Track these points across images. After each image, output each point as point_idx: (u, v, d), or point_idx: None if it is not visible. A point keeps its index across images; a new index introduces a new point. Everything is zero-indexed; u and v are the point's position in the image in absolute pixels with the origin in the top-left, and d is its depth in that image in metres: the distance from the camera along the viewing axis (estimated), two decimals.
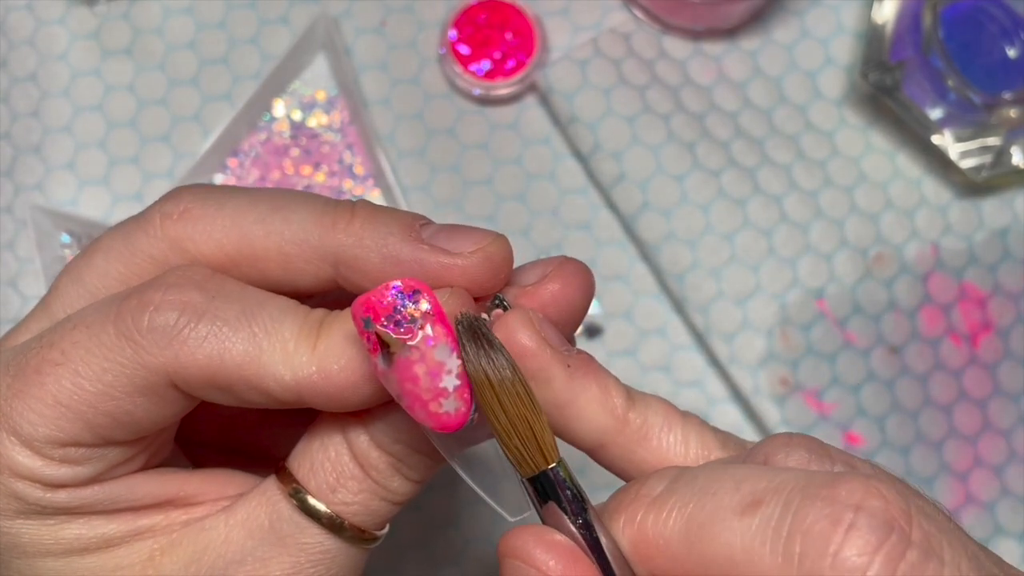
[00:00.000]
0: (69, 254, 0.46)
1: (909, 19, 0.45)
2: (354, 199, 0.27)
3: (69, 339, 0.25)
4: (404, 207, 0.45)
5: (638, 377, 0.45)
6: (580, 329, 0.43)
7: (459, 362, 0.23)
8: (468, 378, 0.23)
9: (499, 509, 0.25)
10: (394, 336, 0.23)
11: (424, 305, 0.23)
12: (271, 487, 0.26)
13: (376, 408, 0.25)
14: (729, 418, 0.44)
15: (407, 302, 0.23)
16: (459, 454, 0.24)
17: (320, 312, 0.25)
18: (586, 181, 0.46)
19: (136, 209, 0.46)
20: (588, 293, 0.26)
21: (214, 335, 0.24)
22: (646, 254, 0.45)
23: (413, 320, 0.23)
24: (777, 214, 0.44)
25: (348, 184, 0.46)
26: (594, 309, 0.45)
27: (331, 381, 0.24)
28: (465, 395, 0.23)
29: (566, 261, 0.26)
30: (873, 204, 0.45)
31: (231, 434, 0.31)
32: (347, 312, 0.24)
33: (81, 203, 0.47)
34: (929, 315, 0.45)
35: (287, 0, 0.47)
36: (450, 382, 0.23)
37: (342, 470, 0.25)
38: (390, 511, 0.26)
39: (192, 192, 0.26)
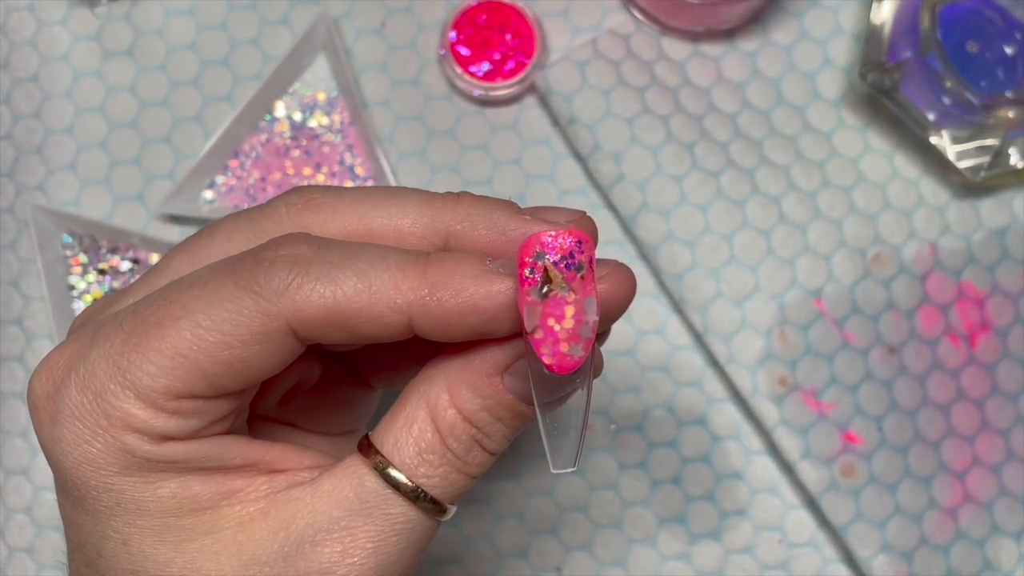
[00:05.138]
0: (70, 255, 0.46)
1: (907, 20, 0.45)
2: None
3: (188, 294, 0.26)
4: None
5: (638, 377, 0.45)
6: None
7: (596, 319, 0.26)
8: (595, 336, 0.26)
9: (550, 458, 0.27)
10: (561, 275, 0.25)
11: (589, 257, 0.26)
12: (355, 461, 0.28)
13: (464, 378, 0.27)
14: (728, 418, 0.45)
15: (580, 250, 0.25)
16: (546, 402, 0.27)
17: (420, 251, 0.27)
18: (586, 181, 0.46)
19: (137, 209, 0.47)
20: (631, 296, 0.28)
21: (325, 276, 0.26)
22: (645, 254, 0.45)
23: (580, 267, 0.25)
24: (776, 214, 0.45)
25: (348, 185, 0.46)
26: None
27: (443, 305, 0.26)
28: (589, 348, 0.26)
29: (619, 267, 0.28)
30: (871, 204, 0.45)
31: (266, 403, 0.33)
32: (452, 251, 0.27)
33: (82, 204, 0.47)
34: (927, 315, 0.45)
35: (288, 1, 0.47)
36: (585, 332, 0.26)
37: (424, 446, 0.27)
38: (465, 484, 0.28)
39: (311, 187, 0.29)
